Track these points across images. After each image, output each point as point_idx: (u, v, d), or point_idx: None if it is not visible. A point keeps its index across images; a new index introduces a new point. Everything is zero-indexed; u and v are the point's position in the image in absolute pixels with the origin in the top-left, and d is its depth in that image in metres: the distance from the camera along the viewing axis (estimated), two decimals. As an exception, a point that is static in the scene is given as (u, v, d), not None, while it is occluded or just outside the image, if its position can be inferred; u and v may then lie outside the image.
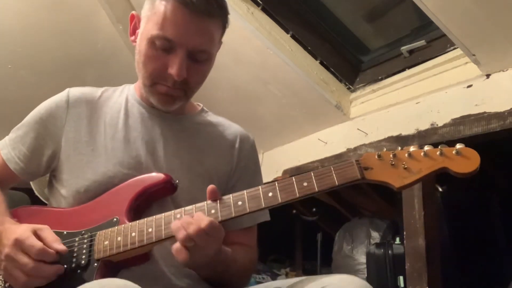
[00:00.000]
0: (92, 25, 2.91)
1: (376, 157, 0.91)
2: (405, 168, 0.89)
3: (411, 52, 2.28)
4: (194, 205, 0.97)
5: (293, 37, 2.52)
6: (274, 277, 3.54)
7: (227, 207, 0.94)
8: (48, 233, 0.99)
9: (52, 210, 1.13)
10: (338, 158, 2.54)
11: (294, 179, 0.92)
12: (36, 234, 0.98)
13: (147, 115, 1.17)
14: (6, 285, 1.01)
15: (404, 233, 2.05)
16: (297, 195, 0.91)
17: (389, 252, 2.46)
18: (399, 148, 0.92)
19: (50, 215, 1.11)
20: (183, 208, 0.97)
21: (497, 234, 2.43)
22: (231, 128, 1.27)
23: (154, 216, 0.98)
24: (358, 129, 2.41)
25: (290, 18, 2.56)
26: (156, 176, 1.07)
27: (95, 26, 2.91)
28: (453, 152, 0.92)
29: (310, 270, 3.53)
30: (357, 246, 2.83)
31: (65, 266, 0.98)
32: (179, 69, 1.03)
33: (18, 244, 0.95)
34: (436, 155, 0.90)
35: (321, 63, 2.57)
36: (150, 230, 0.96)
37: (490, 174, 2.54)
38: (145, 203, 1.07)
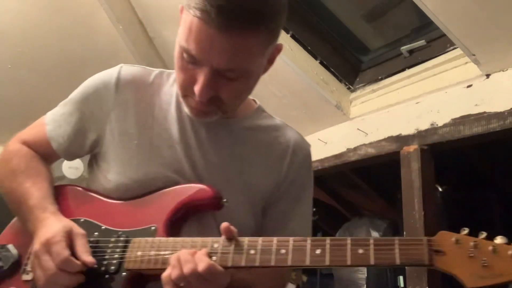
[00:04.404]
0: (92, 25, 2.91)
1: (453, 240, 0.77)
2: (484, 266, 0.74)
3: (411, 52, 2.28)
4: (235, 238, 0.89)
5: (293, 37, 2.52)
6: (274, 277, 3.54)
7: (267, 252, 0.86)
8: (81, 241, 0.95)
9: (96, 198, 1.08)
10: (338, 158, 2.54)
11: (349, 242, 0.82)
12: (69, 239, 0.94)
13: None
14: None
15: (404, 233, 2.05)
16: (348, 263, 0.81)
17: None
18: (483, 235, 0.77)
19: (93, 202, 1.07)
20: (222, 238, 0.89)
21: (497, 234, 2.43)
22: (286, 134, 1.13)
23: (191, 238, 0.92)
24: (358, 129, 2.41)
25: (290, 18, 2.54)
26: (204, 189, 1.00)
27: (95, 26, 2.91)
28: None
29: (310, 270, 3.53)
30: (357, 246, 2.83)
31: (95, 265, 0.95)
32: (200, 89, 0.93)
33: (47, 246, 0.93)
34: None
35: (321, 63, 2.57)
36: None
37: (490, 174, 2.54)
38: (185, 215, 1.02)
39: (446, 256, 0.77)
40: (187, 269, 0.83)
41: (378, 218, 2.91)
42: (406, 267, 2.02)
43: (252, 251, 0.86)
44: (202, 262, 0.84)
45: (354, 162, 2.48)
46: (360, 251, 0.80)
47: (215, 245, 0.89)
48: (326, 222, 3.43)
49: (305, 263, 0.83)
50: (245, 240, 0.88)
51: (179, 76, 0.98)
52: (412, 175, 2.04)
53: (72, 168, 3.07)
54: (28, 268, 1.02)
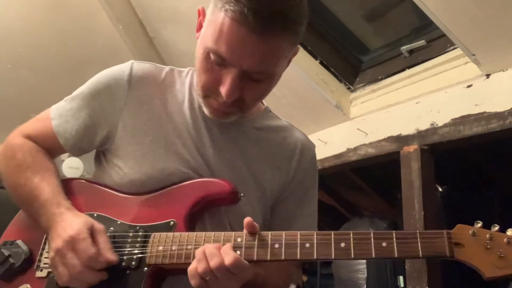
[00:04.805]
0: (92, 25, 2.91)
1: (470, 233, 0.81)
2: (501, 257, 0.79)
3: (411, 52, 2.28)
4: (258, 232, 0.89)
5: (293, 37, 2.52)
6: (274, 277, 3.54)
7: (291, 246, 0.87)
8: (103, 238, 0.95)
9: (107, 192, 1.07)
10: (338, 158, 2.54)
11: (372, 235, 0.84)
12: (92, 235, 0.94)
13: (207, 115, 1.07)
14: (50, 275, 0.99)
15: (404, 233, 2.05)
16: (373, 255, 0.83)
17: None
18: (496, 227, 0.83)
19: (105, 197, 1.06)
20: (245, 232, 0.90)
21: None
22: (293, 135, 1.16)
23: (213, 233, 0.92)
24: (358, 129, 2.42)
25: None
26: (222, 183, 1.01)
27: (95, 26, 2.91)
28: None
29: (310, 270, 3.53)
30: (357, 246, 2.83)
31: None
32: (228, 90, 0.93)
33: (72, 243, 0.92)
34: None
35: (321, 63, 2.57)
36: None
37: (490, 174, 2.54)
38: (202, 209, 1.02)
39: (465, 248, 0.81)
40: (213, 263, 0.84)
41: (378, 218, 2.91)
42: (406, 267, 2.02)
43: (277, 245, 0.88)
44: (228, 256, 0.85)
45: (354, 162, 2.48)
46: (384, 244, 0.83)
47: (239, 240, 0.90)
48: (326, 222, 3.43)
49: (331, 256, 0.85)
50: (269, 234, 0.89)
51: (202, 77, 0.98)
52: (412, 175, 2.04)
53: (72, 168, 3.07)
54: (42, 264, 1.01)
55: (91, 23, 2.90)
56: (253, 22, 0.87)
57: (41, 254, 1.03)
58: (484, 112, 1.79)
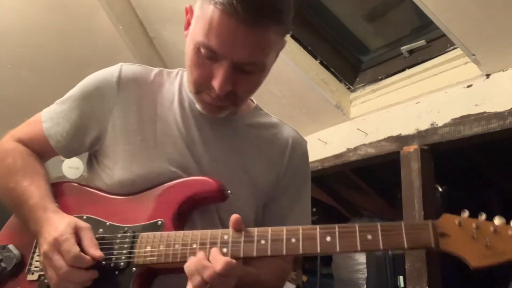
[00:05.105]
0: (92, 25, 2.92)
1: (456, 222, 0.81)
2: (487, 246, 0.78)
3: (411, 52, 2.28)
4: (244, 229, 0.90)
5: (293, 37, 2.52)
6: (274, 277, 3.54)
7: (277, 241, 0.87)
8: (87, 235, 0.95)
9: (96, 194, 1.08)
10: (338, 158, 2.54)
11: (357, 228, 0.84)
12: (76, 234, 0.94)
13: (198, 113, 1.08)
14: (41, 278, 1.00)
15: (404, 233, 2.04)
16: (358, 248, 0.83)
17: (389, 252, 2.46)
18: (483, 216, 0.81)
19: (94, 199, 1.07)
20: (231, 230, 0.90)
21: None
22: (284, 131, 1.17)
23: (200, 231, 0.93)
24: (358, 129, 2.42)
25: (290, 18, 2.56)
26: (208, 182, 1.01)
27: (95, 26, 2.91)
28: None
29: (310, 270, 3.54)
30: (357, 246, 2.83)
31: (103, 262, 0.95)
32: (221, 83, 0.95)
33: (57, 245, 0.93)
34: None
35: (321, 63, 2.57)
36: (194, 246, 0.91)
37: (490, 174, 2.54)
38: (190, 208, 1.03)
39: (450, 238, 0.80)
40: (207, 275, 0.85)
41: (378, 218, 2.92)
42: (406, 267, 2.02)
43: (263, 241, 0.88)
44: (218, 262, 0.85)
45: (354, 162, 2.48)
46: (369, 236, 0.83)
47: (225, 237, 0.90)
48: (326, 222, 3.43)
49: (317, 250, 0.85)
50: (255, 230, 0.90)
51: (193, 72, 1.00)
52: (412, 175, 2.04)
53: (72, 168, 3.07)
54: (33, 268, 1.02)
55: (91, 23, 2.90)
56: (243, 14, 0.89)
57: (32, 258, 1.03)
58: (484, 112, 1.79)
